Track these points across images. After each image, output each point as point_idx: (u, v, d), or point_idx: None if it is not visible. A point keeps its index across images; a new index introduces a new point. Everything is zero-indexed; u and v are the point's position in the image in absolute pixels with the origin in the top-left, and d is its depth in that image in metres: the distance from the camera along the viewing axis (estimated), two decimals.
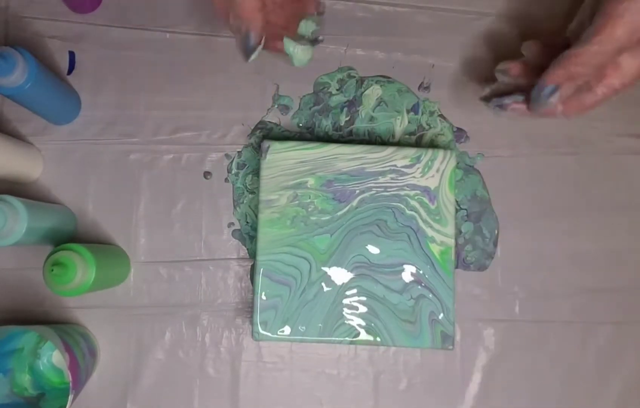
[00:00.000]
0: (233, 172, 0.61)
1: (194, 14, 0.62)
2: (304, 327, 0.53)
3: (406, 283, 0.54)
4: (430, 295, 0.54)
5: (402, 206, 0.55)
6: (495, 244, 0.61)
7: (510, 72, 0.53)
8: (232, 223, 0.61)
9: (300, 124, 0.62)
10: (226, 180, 0.61)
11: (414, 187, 0.55)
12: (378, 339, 0.54)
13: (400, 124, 0.62)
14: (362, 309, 0.54)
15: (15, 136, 0.59)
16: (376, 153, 0.55)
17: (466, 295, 0.60)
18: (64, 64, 0.61)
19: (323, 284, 0.54)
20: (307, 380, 0.59)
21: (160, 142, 0.61)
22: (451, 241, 0.55)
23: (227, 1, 0.46)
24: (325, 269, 0.54)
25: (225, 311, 0.60)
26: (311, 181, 0.55)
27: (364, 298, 0.54)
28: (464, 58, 0.63)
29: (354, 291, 0.54)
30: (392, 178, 0.55)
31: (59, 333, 0.51)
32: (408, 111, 0.62)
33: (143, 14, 0.62)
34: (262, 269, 0.54)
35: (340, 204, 0.55)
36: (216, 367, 0.59)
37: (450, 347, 0.54)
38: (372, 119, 0.62)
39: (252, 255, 0.60)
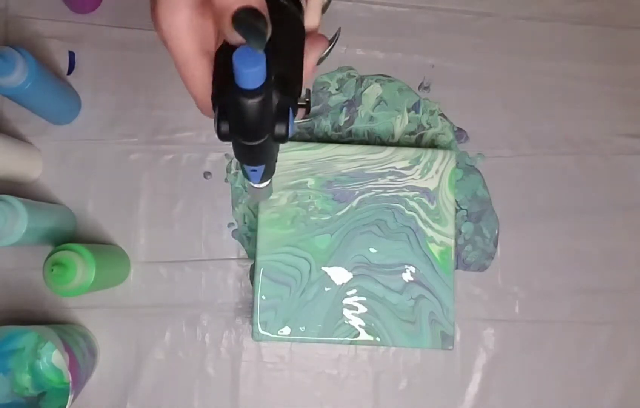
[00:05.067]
0: (232, 172, 0.61)
1: None
2: (303, 327, 0.53)
3: (406, 283, 0.54)
4: (430, 295, 0.54)
5: (402, 207, 0.55)
6: (495, 245, 0.61)
7: None
8: (232, 223, 0.61)
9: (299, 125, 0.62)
10: (226, 180, 0.61)
11: (413, 188, 0.55)
12: (378, 339, 0.54)
13: (401, 124, 0.62)
14: (362, 309, 0.54)
15: (15, 136, 0.59)
16: (375, 154, 0.55)
17: (466, 295, 0.60)
18: (64, 64, 0.61)
19: (323, 284, 0.54)
20: (307, 380, 0.59)
21: (160, 142, 0.61)
22: (451, 242, 0.55)
23: None
24: (325, 269, 0.54)
25: (225, 311, 0.60)
26: (311, 182, 0.55)
27: (364, 298, 0.54)
28: (464, 58, 0.63)
29: (354, 291, 0.54)
30: (391, 180, 0.55)
31: (59, 333, 0.51)
32: (409, 110, 0.62)
33: (143, 14, 0.62)
34: (262, 269, 0.54)
35: (340, 204, 0.55)
36: (216, 367, 0.59)
37: (450, 347, 0.54)
38: (371, 118, 0.62)
39: (252, 255, 0.60)
